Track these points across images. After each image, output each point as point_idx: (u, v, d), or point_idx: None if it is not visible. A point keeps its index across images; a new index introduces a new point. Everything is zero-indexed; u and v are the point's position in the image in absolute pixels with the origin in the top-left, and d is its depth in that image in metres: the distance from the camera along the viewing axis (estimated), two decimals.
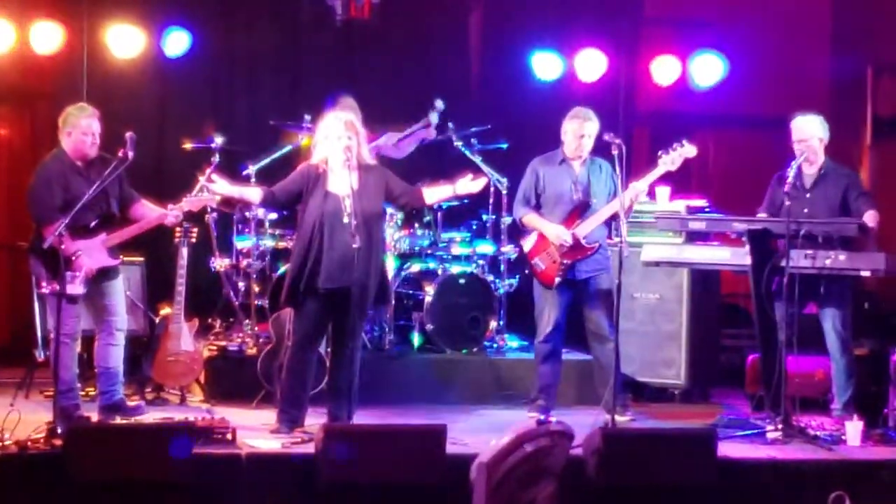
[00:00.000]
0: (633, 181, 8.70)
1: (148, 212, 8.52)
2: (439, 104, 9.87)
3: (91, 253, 8.21)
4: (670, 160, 8.71)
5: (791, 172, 8.55)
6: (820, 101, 11.44)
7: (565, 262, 8.74)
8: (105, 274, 8.36)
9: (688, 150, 8.71)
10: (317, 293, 8.13)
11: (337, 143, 8.14)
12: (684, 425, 8.83)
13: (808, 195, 8.76)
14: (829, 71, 12.31)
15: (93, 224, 8.26)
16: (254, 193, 8.45)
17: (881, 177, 9.44)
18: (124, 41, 10.66)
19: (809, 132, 8.78)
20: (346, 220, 7.99)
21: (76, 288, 7.99)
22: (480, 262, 10.06)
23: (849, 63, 12.12)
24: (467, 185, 8.39)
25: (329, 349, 8.50)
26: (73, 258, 8.01)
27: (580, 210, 8.79)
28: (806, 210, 8.68)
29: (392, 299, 9.45)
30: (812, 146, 8.76)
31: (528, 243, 8.96)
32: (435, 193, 8.53)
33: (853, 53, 12.12)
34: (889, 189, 9.11)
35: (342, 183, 8.08)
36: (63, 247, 7.81)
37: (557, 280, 8.78)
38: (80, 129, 8.29)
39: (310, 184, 8.19)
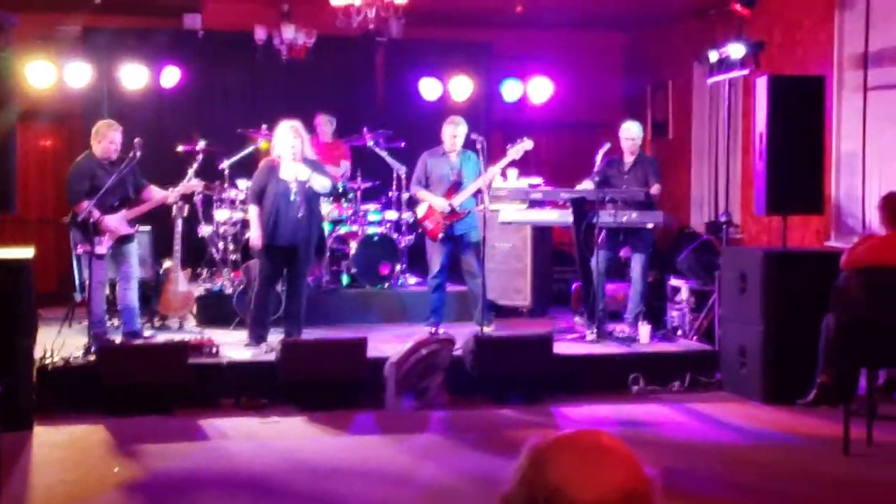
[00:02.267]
0: (491, 166, 8.63)
1: (154, 194, 8.24)
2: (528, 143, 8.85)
3: (114, 224, 7.96)
4: (515, 151, 8.61)
5: (599, 158, 8.59)
6: (616, 111, 11.51)
7: (446, 223, 8.62)
8: (124, 239, 8.07)
9: (526, 143, 8.61)
10: (275, 248, 7.96)
11: (286, 143, 7.95)
12: (530, 332, 8.79)
13: (626, 175, 8.77)
14: (622, 89, 12.36)
15: (115, 203, 7.98)
16: (257, 214, 8.01)
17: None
18: (133, 76, 10.33)
19: (635, 133, 8.82)
20: (293, 198, 7.81)
21: (101, 249, 7.79)
22: (388, 225, 9.89)
23: (634, 83, 12.17)
24: None
25: (284, 287, 8.31)
26: (99, 224, 7.77)
27: (455, 187, 8.65)
28: (625, 186, 8.68)
29: (327, 251, 9.28)
30: (636, 142, 8.80)
31: (420, 211, 8.81)
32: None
33: (637, 77, 12.16)
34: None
35: (290, 171, 7.89)
36: (91, 220, 7.59)
37: (441, 235, 8.64)
38: (108, 138, 8.00)
39: (269, 173, 7.98)
